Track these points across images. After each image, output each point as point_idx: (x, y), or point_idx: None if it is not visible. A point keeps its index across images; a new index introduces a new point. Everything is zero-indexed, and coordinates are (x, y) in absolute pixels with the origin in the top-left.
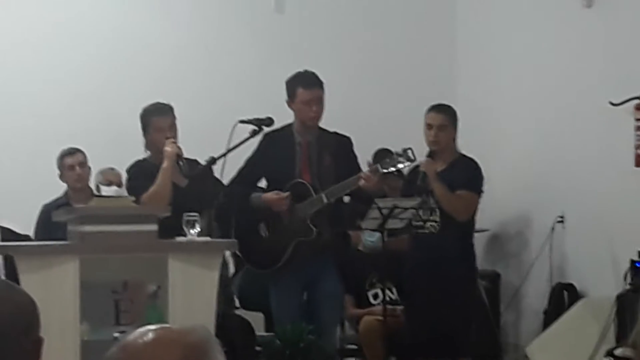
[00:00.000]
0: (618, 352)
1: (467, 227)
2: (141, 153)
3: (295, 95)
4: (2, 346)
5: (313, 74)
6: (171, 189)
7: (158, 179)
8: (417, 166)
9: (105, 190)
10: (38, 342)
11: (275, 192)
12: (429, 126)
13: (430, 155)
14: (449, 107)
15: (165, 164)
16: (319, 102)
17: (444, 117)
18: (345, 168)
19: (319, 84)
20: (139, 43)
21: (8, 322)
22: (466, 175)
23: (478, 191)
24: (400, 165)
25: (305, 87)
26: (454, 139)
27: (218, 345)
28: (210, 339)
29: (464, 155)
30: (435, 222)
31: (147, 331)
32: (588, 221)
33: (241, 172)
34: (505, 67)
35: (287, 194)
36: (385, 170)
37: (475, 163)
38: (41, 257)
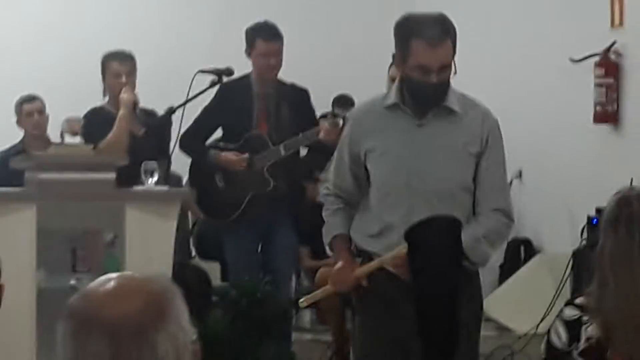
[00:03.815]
0: (578, 301)
1: None
2: (101, 101)
3: (254, 47)
4: None
5: (273, 26)
6: (128, 138)
7: (115, 127)
8: None
9: (70, 140)
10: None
11: (234, 152)
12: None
13: None
14: None
15: (122, 112)
16: (278, 54)
17: None
18: (302, 120)
19: (279, 36)
20: None
21: None
22: None
23: None
24: None
25: (264, 39)
26: None
27: (180, 294)
28: (172, 287)
29: None
30: None
31: (109, 279)
32: (546, 177)
33: (197, 122)
34: (466, 22)
35: (246, 155)
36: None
37: None
38: None
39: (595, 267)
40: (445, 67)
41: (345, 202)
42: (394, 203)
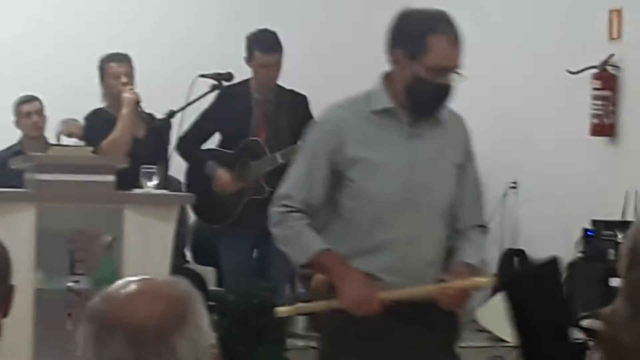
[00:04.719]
0: (585, 323)
1: None
2: (99, 103)
3: (252, 57)
4: None
5: (272, 36)
6: (130, 138)
7: (118, 126)
8: None
9: (66, 142)
10: (10, 289)
11: (231, 176)
12: None
13: None
14: None
15: (124, 111)
16: (276, 65)
17: None
18: (300, 127)
19: (277, 47)
20: None
21: None
22: None
23: None
24: None
25: (262, 51)
26: None
27: (200, 298)
28: (193, 292)
29: None
30: None
31: (130, 283)
32: (541, 188)
33: (195, 126)
34: (463, 32)
35: (237, 184)
36: None
37: None
38: None
39: (623, 296)
40: (456, 68)
41: (310, 218)
42: (392, 219)
